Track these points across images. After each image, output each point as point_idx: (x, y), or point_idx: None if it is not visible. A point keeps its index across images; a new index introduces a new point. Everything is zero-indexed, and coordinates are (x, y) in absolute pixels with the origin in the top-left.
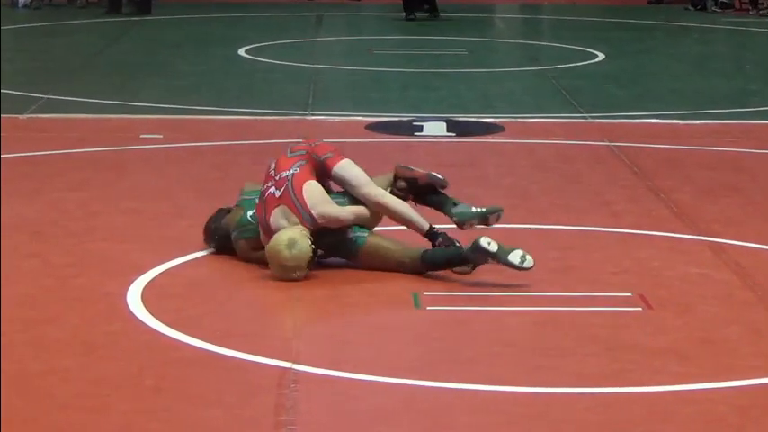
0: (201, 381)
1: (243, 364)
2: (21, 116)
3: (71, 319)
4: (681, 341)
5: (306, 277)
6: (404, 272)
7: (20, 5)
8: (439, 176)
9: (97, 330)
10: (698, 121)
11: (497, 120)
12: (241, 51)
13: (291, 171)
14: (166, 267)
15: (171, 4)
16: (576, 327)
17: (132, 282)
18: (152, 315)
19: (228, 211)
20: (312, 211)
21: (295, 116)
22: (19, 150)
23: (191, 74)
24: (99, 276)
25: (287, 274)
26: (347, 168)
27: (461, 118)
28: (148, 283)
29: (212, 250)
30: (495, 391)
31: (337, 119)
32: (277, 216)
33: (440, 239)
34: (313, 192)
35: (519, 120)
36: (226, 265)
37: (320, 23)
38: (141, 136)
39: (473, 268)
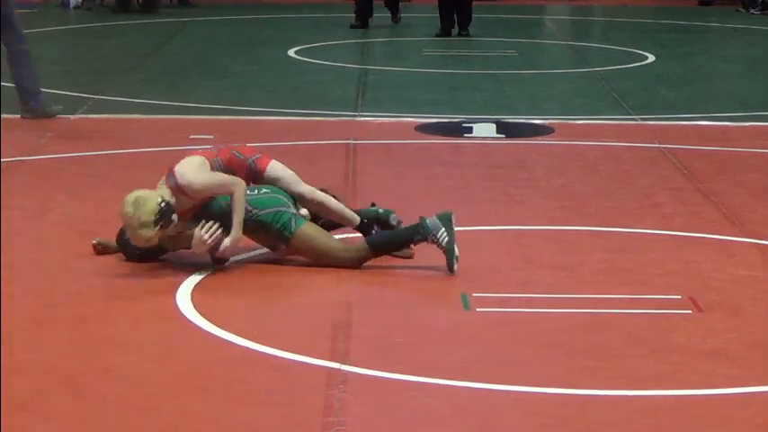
0: (250, 381)
1: (291, 365)
2: (71, 116)
3: (120, 318)
4: (730, 344)
5: (160, 229)
6: (340, 266)
7: (71, 6)
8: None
9: (146, 330)
10: (749, 123)
11: (547, 121)
12: (291, 52)
13: (200, 150)
14: (216, 267)
15: (221, 4)
16: (624, 329)
17: (182, 281)
18: (201, 315)
19: None
20: (176, 170)
21: (344, 117)
22: (69, 150)
23: (241, 74)
24: (149, 276)
25: (134, 233)
26: (279, 168)
27: (511, 119)
28: (198, 282)
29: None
30: (543, 393)
31: (386, 120)
32: (162, 180)
33: (372, 229)
34: (190, 161)
35: (569, 121)
36: (274, 266)
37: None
38: (191, 136)
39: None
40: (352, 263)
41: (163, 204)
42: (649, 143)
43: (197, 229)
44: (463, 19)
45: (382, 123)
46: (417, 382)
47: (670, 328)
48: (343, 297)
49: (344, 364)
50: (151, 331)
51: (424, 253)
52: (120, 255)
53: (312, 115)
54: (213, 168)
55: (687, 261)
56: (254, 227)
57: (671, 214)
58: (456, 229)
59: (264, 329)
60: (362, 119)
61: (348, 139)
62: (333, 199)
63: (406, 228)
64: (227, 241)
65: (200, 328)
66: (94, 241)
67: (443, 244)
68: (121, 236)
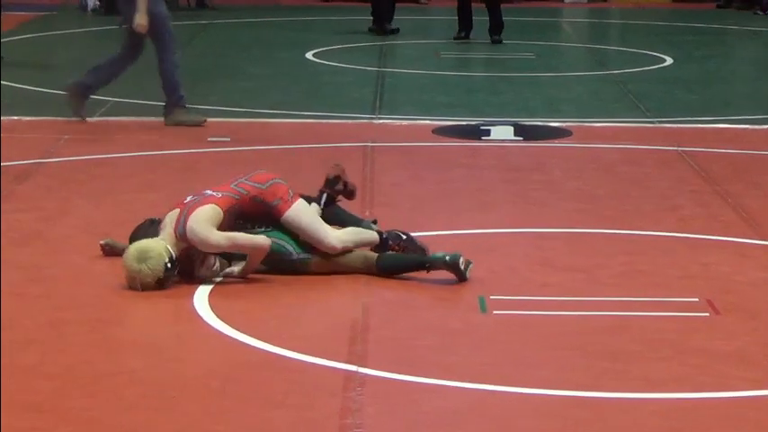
0: (267, 383)
1: (309, 367)
2: (90, 119)
3: (138, 320)
4: (749, 347)
5: (160, 288)
6: (359, 273)
7: (89, 8)
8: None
9: (165, 332)
10: (767, 126)
11: (564, 124)
12: (309, 55)
13: (213, 193)
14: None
15: (239, 7)
16: (643, 331)
17: (199, 284)
18: (219, 317)
19: (161, 221)
20: (189, 222)
21: (362, 120)
22: (87, 153)
23: (259, 77)
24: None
25: (134, 284)
26: (296, 216)
27: (528, 122)
28: (215, 285)
29: None
30: (561, 396)
31: (404, 123)
32: (166, 218)
33: (391, 242)
34: (205, 213)
35: (586, 124)
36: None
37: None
38: (209, 139)
39: (428, 271)
40: (367, 272)
41: (168, 264)
42: (667, 146)
43: (203, 269)
44: (493, 25)
45: (400, 126)
46: (434, 384)
47: (688, 331)
48: (360, 300)
49: (362, 366)
50: (169, 334)
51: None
52: None
53: (330, 118)
54: (229, 216)
55: (705, 264)
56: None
57: (689, 217)
58: (473, 231)
59: (282, 332)
60: (380, 122)
61: (366, 141)
62: (353, 234)
63: (418, 259)
64: (234, 270)
65: (217, 331)
66: (102, 242)
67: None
68: (133, 239)
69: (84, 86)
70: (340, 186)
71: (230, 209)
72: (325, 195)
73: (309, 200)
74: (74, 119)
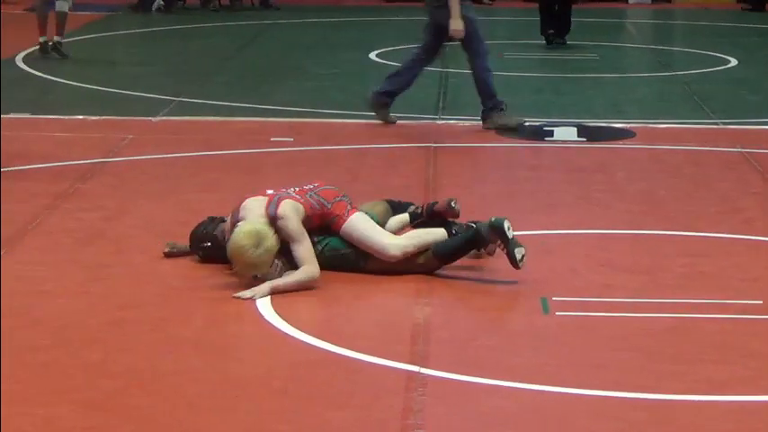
0: (329, 383)
1: (370, 368)
2: (153, 119)
3: (201, 319)
4: None
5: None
6: (418, 272)
7: (153, 9)
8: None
9: (226, 331)
10: None
11: (628, 125)
12: (372, 55)
13: (295, 195)
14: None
15: (303, 6)
16: (705, 334)
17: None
18: (280, 317)
19: (222, 220)
20: (279, 207)
21: (426, 120)
22: (151, 152)
23: (321, 77)
24: (229, 278)
25: (252, 270)
26: (353, 229)
27: (592, 123)
28: None
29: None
30: (622, 398)
31: (468, 123)
32: (248, 204)
33: (454, 229)
34: (295, 204)
35: (650, 125)
36: (352, 270)
37: None
38: (272, 139)
39: (479, 251)
40: (424, 271)
41: (278, 244)
42: (731, 147)
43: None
44: (562, 26)
45: (463, 127)
46: (496, 385)
47: (751, 333)
48: (422, 300)
49: (424, 367)
50: (231, 333)
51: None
52: (195, 257)
53: None
54: (305, 220)
55: None
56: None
57: (752, 219)
58: (536, 232)
59: (343, 332)
60: (443, 122)
61: (429, 142)
62: (416, 238)
63: (468, 236)
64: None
65: (279, 331)
66: (166, 250)
67: (503, 252)
68: (193, 236)
69: (386, 94)
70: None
71: (306, 215)
72: (416, 210)
73: (397, 205)
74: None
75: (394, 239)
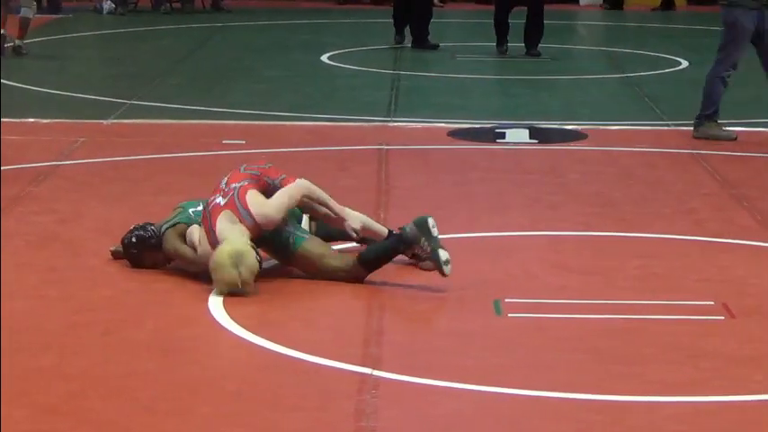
0: (282, 385)
1: (323, 370)
2: (104, 121)
3: (153, 322)
4: (765, 350)
5: (251, 293)
6: (341, 280)
7: (104, 12)
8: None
9: (179, 334)
10: None
11: (580, 127)
12: (324, 57)
13: (239, 184)
14: None
15: (254, 9)
16: (657, 335)
17: (214, 287)
18: (233, 320)
19: (143, 227)
20: (252, 211)
21: (377, 122)
22: (103, 155)
23: (274, 79)
24: (181, 280)
25: (234, 290)
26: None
27: (544, 125)
28: None
29: None
30: (575, 399)
31: (419, 125)
32: (222, 221)
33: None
34: (255, 197)
35: (602, 127)
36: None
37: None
38: (224, 141)
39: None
40: (349, 280)
41: (258, 259)
42: (683, 149)
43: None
44: (534, 34)
45: (415, 129)
46: (449, 387)
47: (704, 334)
48: (374, 302)
49: (376, 369)
50: (184, 336)
51: (457, 258)
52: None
53: (345, 120)
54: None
55: (721, 267)
56: (258, 242)
57: (704, 220)
58: (489, 234)
59: (296, 335)
60: (395, 124)
61: (380, 144)
62: (359, 215)
63: (392, 239)
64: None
65: (232, 334)
66: (112, 248)
67: (427, 255)
68: (124, 241)
69: (713, 113)
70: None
71: (258, 189)
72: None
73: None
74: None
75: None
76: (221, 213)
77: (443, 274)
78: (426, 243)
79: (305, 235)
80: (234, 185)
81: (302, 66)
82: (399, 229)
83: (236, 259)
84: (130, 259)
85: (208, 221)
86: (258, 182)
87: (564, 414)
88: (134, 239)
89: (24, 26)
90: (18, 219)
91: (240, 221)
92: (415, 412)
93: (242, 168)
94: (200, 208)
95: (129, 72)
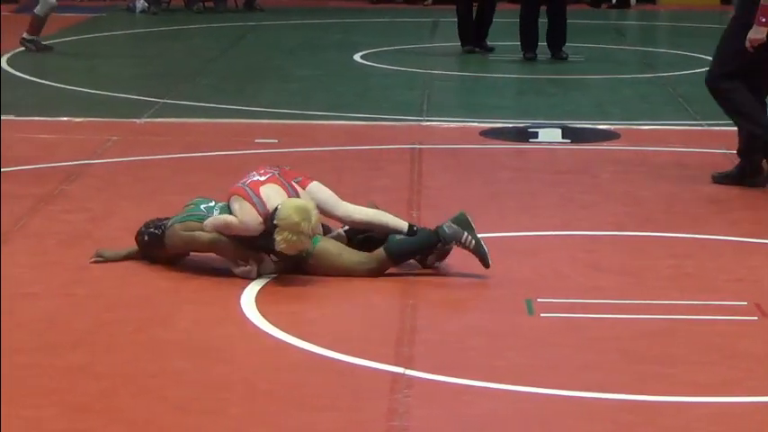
0: (314, 385)
1: (356, 369)
2: (137, 120)
3: (185, 321)
4: None
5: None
6: (360, 276)
7: (137, 11)
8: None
9: (211, 333)
10: None
11: (613, 127)
12: (357, 57)
13: (274, 170)
14: (279, 274)
15: (287, 8)
16: (690, 335)
17: (246, 286)
18: (266, 319)
19: (159, 219)
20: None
21: (409, 122)
22: (134, 154)
23: (306, 79)
24: (213, 279)
25: (299, 244)
26: (318, 190)
27: (576, 125)
28: (262, 286)
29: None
30: (608, 399)
31: (452, 125)
32: (267, 189)
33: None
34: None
35: (634, 127)
36: None
37: (436, 29)
38: (256, 140)
39: (437, 255)
40: (372, 274)
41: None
42: (715, 148)
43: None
44: (557, 36)
45: (447, 128)
46: (481, 387)
47: (736, 335)
48: (407, 302)
49: (408, 368)
50: (216, 335)
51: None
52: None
53: (377, 120)
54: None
55: (754, 267)
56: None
57: (738, 220)
58: (521, 234)
59: (329, 334)
60: (427, 123)
61: (413, 144)
62: (374, 213)
63: (426, 234)
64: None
65: (264, 333)
66: (92, 259)
67: (471, 248)
68: (140, 237)
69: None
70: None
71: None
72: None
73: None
74: None
75: (351, 206)
76: (264, 186)
77: (487, 265)
78: (469, 237)
79: (319, 234)
80: (267, 169)
81: (335, 65)
82: (436, 227)
83: (303, 213)
84: (146, 256)
85: (246, 191)
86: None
87: (596, 414)
88: (146, 237)
89: (35, 23)
90: (49, 217)
91: (288, 196)
92: (448, 412)
93: (266, 168)
94: (212, 203)
95: (161, 71)
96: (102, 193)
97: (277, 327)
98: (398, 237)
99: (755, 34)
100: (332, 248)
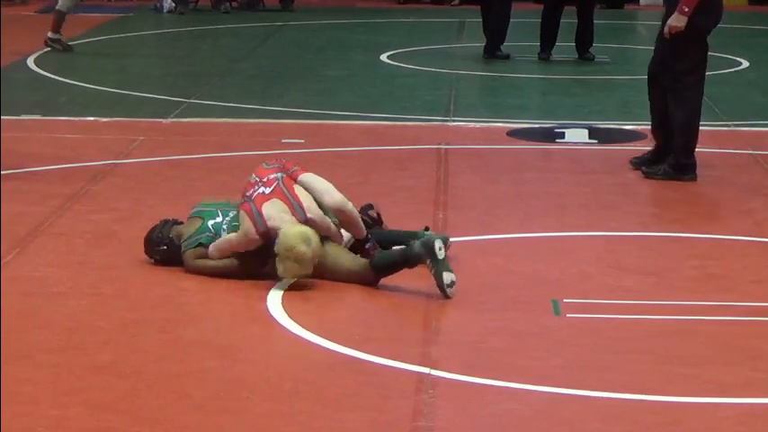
0: (339, 385)
1: (380, 369)
2: (163, 120)
3: (211, 321)
4: None
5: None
6: (354, 282)
7: (164, 11)
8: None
9: (236, 333)
10: None
11: (639, 127)
12: (383, 57)
13: (278, 175)
14: None
15: (314, 8)
16: (715, 336)
17: (273, 286)
18: (291, 319)
19: (175, 222)
20: (303, 204)
21: (436, 122)
22: (161, 154)
23: (333, 79)
24: (240, 280)
25: (302, 270)
26: (312, 178)
27: (603, 125)
28: (289, 287)
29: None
30: (632, 400)
31: (478, 125)
32: (269, 208)
33: (369, 245)
34: (303, 192)
35: None
36: None
37: (462, 29)
38: (283, 140)
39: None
40: (361, 283)
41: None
42: (742, 149)
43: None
44: (584, 37)
45: (474, 128)
46: (506, 387)
47: (761, 335)
48: (432, 302)
49: (434, 368)
50: (241, 335)
51: (514, 258)
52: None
53: (403, 120)
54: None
55: None
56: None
57: (763, 220)
58: (546, 234)
59: (354, 334)
60: (454, 124)
61: (439, 144)
62: (356, 210)
63: (403, 252)
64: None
65: (290, 332)
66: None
67: (433, 275)
68: (147, 241)
69: None
70: (374, 213)
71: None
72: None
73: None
74: None
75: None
76: (268, 202)
77: (446, 297)
78: (431, 264)
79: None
80: (273, 176)
81: (361, 65)
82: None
83: (306, 239)
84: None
85: (251, 208)
86: (285, 174)
87: (621, 415)
88: (158, 257)
89: (58, 19)
90: (76, 217)
91: (290, 211)
92: (472, 412)
93: (264, 165)
94: (219, 219)
95: (188, 71)
96: (129, 192)
97: (303, 327)
98: (381, 253)
99: (676, 22)
100: (329, 251)
